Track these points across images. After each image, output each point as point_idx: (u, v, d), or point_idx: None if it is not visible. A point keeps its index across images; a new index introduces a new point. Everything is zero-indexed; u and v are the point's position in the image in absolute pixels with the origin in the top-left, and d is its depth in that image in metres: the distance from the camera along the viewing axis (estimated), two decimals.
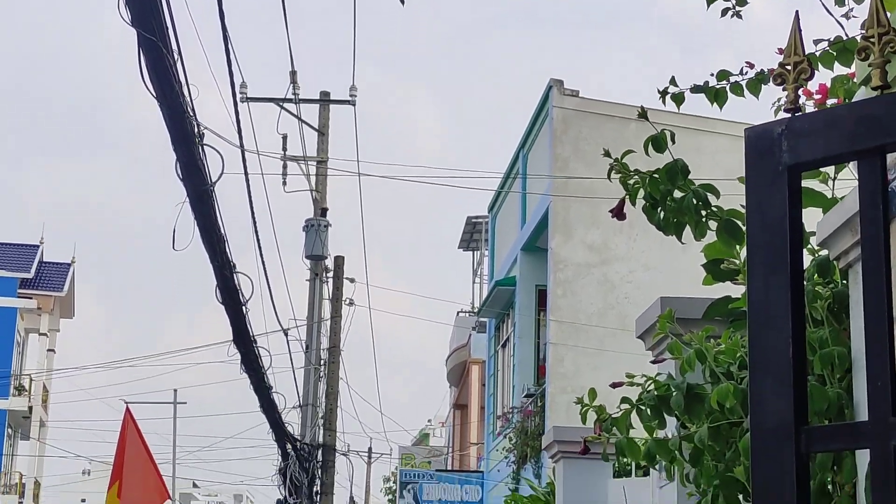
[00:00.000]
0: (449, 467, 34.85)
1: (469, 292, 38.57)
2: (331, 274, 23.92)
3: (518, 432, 20.82)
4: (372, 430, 71.56)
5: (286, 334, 20.49)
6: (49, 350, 48.86)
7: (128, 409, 16.62)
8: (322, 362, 23.16)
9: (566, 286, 19.64)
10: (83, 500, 76.11)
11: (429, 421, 54.54)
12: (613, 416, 4.26)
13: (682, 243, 4.11)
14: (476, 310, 31.92)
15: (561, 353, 19.33)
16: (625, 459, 10.35)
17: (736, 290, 4.30)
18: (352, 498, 49.06)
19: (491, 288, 24.68)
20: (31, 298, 47.01)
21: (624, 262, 19.52)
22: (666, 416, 4.15)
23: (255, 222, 14.21)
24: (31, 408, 46.62)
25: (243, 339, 15.02)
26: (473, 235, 36.21)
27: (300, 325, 22.55)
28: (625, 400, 4.25)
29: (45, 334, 48.67)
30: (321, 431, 22.87)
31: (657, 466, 4.33)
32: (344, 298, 24.07)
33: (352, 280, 24.99)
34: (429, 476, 29.29)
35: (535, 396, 20.61)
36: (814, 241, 3.78)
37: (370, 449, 46.58)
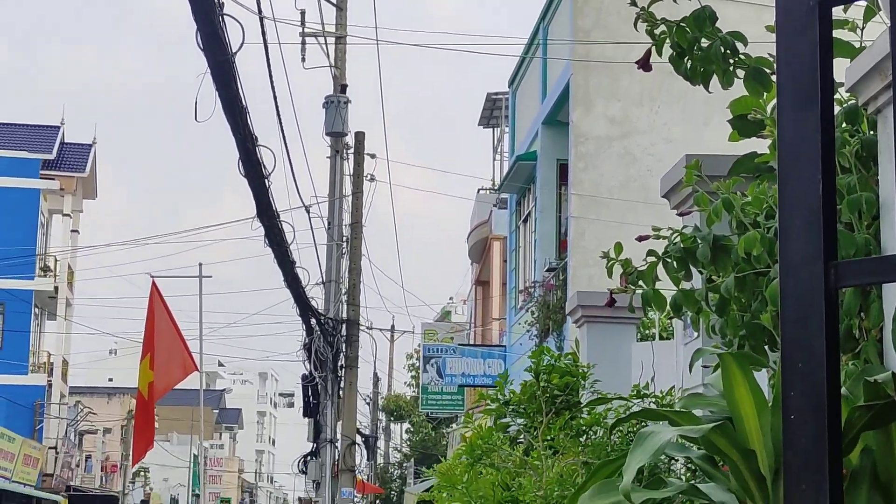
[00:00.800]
0: (471, 342, 35.09)
1: (489, 170, 38.53)
2: (351, 150, 23.88)
3: (540, 306, 20.93)
4: (394, 307, 72.18)
5: (308, 211, 20.53)
6: (73, 231, 49.14)
7: (154, 283, 16.75)
8: (344, 238, 23.23)
9: (587, 160, 19.59)
10: (110, 379, 77.35)
11: (450, 299, 54.90)
12: (639, 268, 4.28)
13: (710, 92, 4.08)
14: (497, 187, 31.87)
15: (582, 226, 19.34)
16: (647, 331, 10.43)
17: (762, 148, 4.28)
18: (375, 373, 49.71)
19: (512, 163, 24.62)
20: (53, 179, 47.11)
21: (645, 135, 19.43)
22: (692, 267, 4.16)
23: (275, 96, 14.14)
24: (56, 288, 47.00)
25: (267, 212, 15.08)
26: (493, 112, 36.03)
27: (321, 202, 22.60)
28: (651, 253, 4.25)
29: (68, 215, 48.89)
30: (345, 307, 23.02)
31: (683, 317, 4.35)
32: (365, 174, 24.07)
33: (372, 156, 24.97)
34: (452, 350, 29.49)
35: (557, 270, 20.68)
36: (842, 90, 3.76)
37: (393, 326, 47.03)
